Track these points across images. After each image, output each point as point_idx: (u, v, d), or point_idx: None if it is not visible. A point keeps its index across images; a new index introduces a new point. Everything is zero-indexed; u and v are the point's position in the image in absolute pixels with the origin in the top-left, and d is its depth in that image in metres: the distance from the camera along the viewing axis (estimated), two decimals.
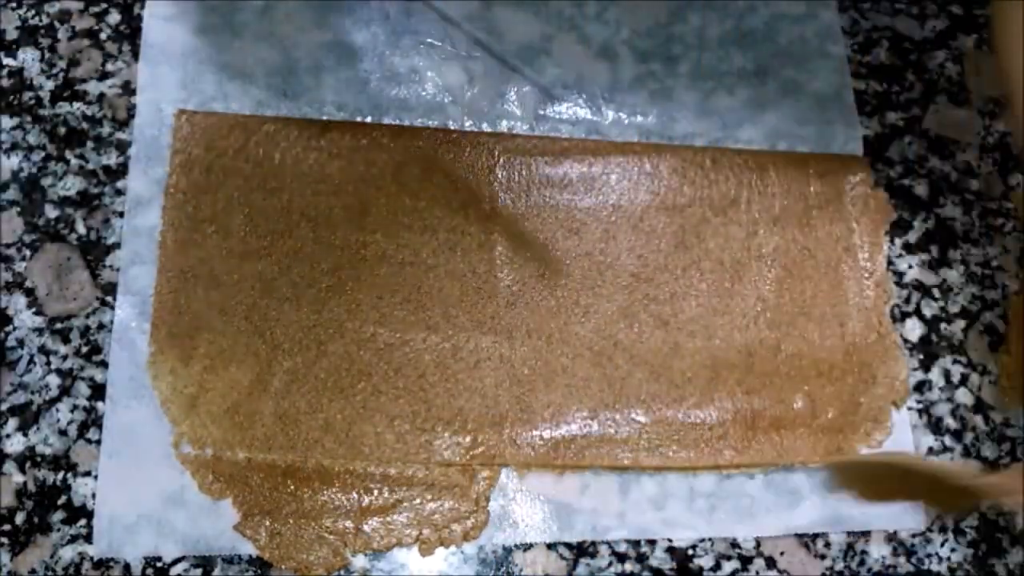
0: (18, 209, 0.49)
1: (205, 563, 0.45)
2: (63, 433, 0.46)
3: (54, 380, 0.47)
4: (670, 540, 0.48)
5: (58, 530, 0.45)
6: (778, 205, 0.54)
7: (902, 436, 0.51)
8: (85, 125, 0.51)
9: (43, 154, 0.50)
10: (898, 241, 0.55)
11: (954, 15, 0.60)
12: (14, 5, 0.52)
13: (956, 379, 0.53)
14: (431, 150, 0.52)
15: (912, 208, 0.56)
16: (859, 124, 0.57)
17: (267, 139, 0.51)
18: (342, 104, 0.52)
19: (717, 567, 0.48)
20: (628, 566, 0.48)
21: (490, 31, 0.55)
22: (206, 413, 0.47)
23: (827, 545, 0.49)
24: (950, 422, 0.52)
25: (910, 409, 0.52)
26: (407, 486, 0.47)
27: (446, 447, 0.47)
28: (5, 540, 0.44)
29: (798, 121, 0.56)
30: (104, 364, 0.47)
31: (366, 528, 0.46)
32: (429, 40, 0.54)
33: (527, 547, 0.47)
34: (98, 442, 0.46)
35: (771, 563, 0.49)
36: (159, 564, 0.45)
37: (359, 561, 0.46)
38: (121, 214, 0.49)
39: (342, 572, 0.46)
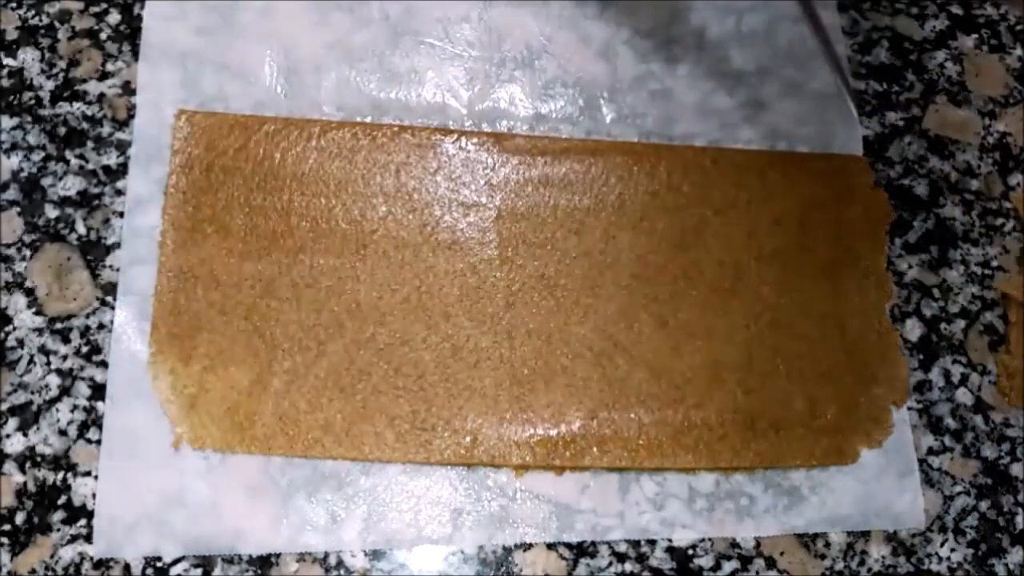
0: (18, 209, 0.49)
1: (205, 563, 0.45)
2: (63, 433, 0.46)
3: (54, 380, 0.47)
4: (670, 540, 0.48)
5: (58, 530, 0.45)
6: (778, 205, 0.54)
7: (902, 436, 0.51)
8: (85, 125, 0.51)
9: (43, 154, 0.50)
10: (898, 241, 0.55)
11: (954, 15, 0.60)
12: (14, 5, 0.52)
13: (956, 379, 0.53)
14: (431, 150, 0.52)
15: (912, 208, 0.56)
16: (859, 124, 0.57)
17: (267, 139, 0.51)
18: (342, 104, 0.52)
19: (717, 567, 0.48)
20: (628, 566, 0.48)
21: (490, 31, 0.55)
22: (206, 413, 0.47)
23: (827, 545, 0.49)
24: (950, 422, 0.52)
25: (910, 409, 0.52)
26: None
27: (446, 447, 0.47)
28: (5, 540, 0.44)
29: (798, 121, 0.56)
30: (104, 364, 0.47)
31: None
32: (429, 40, 0.54)
33: (527, 547, 0.47)
34: (98, 442, 0.46)
35: (771, 563, 0.49)
36: (159, 564, 0.45)
37: (359, 561, 0.46)
38: (121, 214, 0.49)
39: (342, 572, 0.46)
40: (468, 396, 0.48)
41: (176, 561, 0.45)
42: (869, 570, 0.49)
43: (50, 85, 0.51)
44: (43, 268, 0.48)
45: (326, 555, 0.46)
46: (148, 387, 0.47)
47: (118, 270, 0.48)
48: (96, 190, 0.50)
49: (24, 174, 0.49)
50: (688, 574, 0.48)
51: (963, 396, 0.53)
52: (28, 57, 0.51)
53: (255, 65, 0.52)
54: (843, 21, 0.59)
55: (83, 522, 0.45)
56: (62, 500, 0.45)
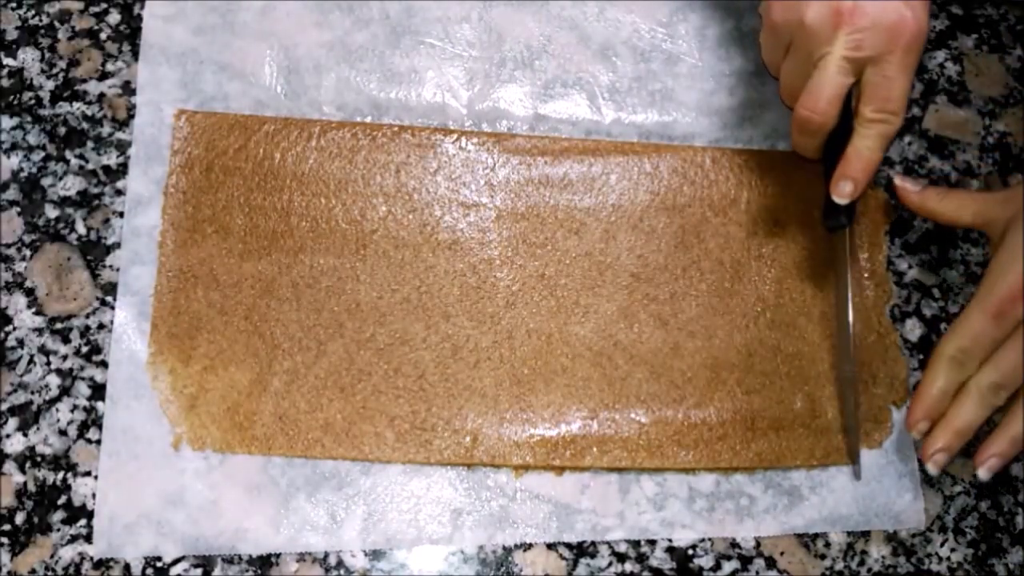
0: (18, 209, 0.49)
1: (205, 563, 0.45)
2: (63, 433, 0.46)
3: (54, 380, 0.47)
4: (670, 540, 0.48)
5: (58, 530, 0.45)
6: (778, 205, 0.54)
7: (902, 436, 0.51)
8: (85, 125, 0.51)
9: (43, 154, 0.50)
10: (898, 241, 0.55)
11: (954, 15, 0.60)
12: (14, 5, 0.52)
13: None
14: (431, 150, 0.52)
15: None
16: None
17: (267, 139, 0.51)
18: (342, 104, 0.52)
19: (717, 567, 0.48)
20: (628, 566, 0.48)
21: (490, 31, 0.55)
22: (206, 413, 0.47)
23: (827, 545, 0.49)
24: None
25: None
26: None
27: (446, 447, 0.47)
28: (5, 540, 0.44)
29: None
30: (104, 364, 0.47)
31: None
32: (429, 40, 0.54)
33: (527, 547, 0.47)
34: (98, 442, 0.46)
35: (771, 563, 0.49)
36: (159, 564, 0.45)
37: (359, 561, 0.46)
38: (121, 214, 0.49)
39: (342, 572, 0.46)
40: (468, 396, 0.48)
41: (176, 561, 0.45)
42: (869, 570, 0.49)
43: (50, 85, 0.51)
44: (43, 268, 0.48)
45: (326, 555, 0.46)
46: (148, 387, 0.47)
47: (118, 270, 0.48)
48: (96, 190, 0.50)
49: (24, 174, 0.49)
50: (688, 574, 0.48)
51: None
52: (28, 57, 0.51)
53: (255, 65, 0.52)
54: None
55: (83, 522, 0.45)
56: (62, 500, 0.45)
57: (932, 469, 0.48)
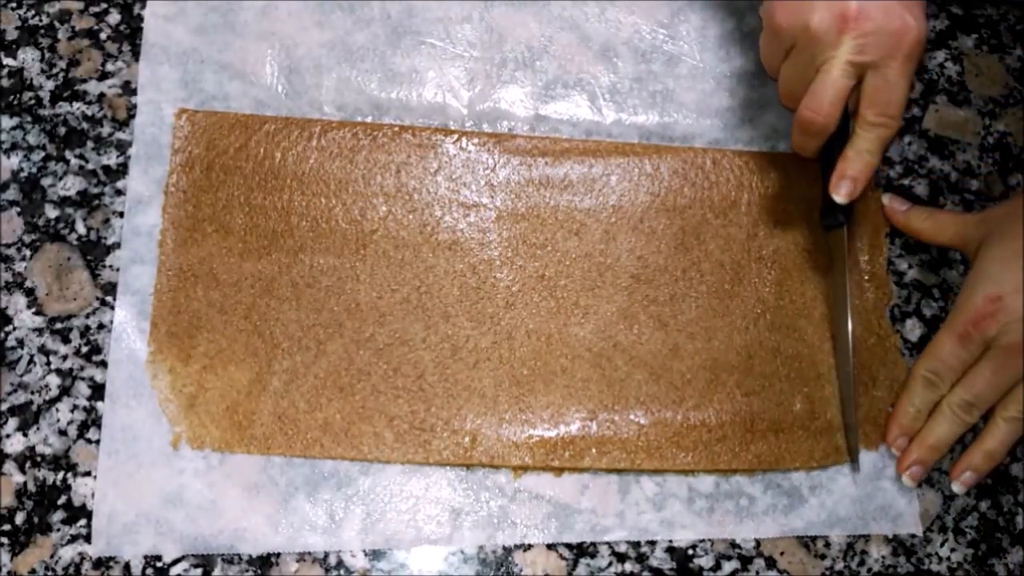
0: (18, 209, 0.49)
1: (205, 563, 0.45)
2: (63, 433, 0.46)
3: (54, 380, 0.47)
4: (670, 540, 0.48)
5: (58, 530, 0.45)
6: (778, 206, 0.54)
7: None
8: (85, 125, 0.51)
9: (43, 154, 0.50)
10: (898, 241, 0.55)
11: (954, 15, 0.60)
12: (14, 5, 0.52)
13: None
14: (431, 150, 0.52)
15: None
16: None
17: (267, 138, 0.51)
18: (342, 104, 0.52)
19: (717, 567, 0.48)
20: (628, 566, 0.48)
21: (491, 31, 0.55)
22: (205, 412, 0.47)
23: (827, 545, 0.49)
24: None
25: None
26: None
27: (445, 447, 0.47)
28: (5, 540, 0.45)
29: None
30: (104, 364, 0.47)
31: None
32: (430, 40, 0.54)
33: (527, 547, 0.47)
34: (98, 442, 0.46)
35: (771, 563, 0.49)
36: (159, 564, 0.45)
37: (359, 561, 0.46)
38: (121, 214, 0.49)
39: (342, 572, 0.46)
40: (467, 396, 0.48)
41: (176, 561, 0.45)
42: (869, 570, 0.49)
43: (50, 85, 0.51)
44: (43, 268, 0.48)
45: (326, 555, 0.46)
46: (147, 386, 0.47)
47: (118, 270, 0.48)
48: (96, 190, 0.50)
49: (24, 174, 0.49)
50: (688, 574, 0.48)
51: None
52: (28, 57, 0.51)
53: (256, 64, 0.52)
54: None
55: (83, 522, 0.45)
56: (62, 500, 0.45)
57: (908, 482, 0.50)
